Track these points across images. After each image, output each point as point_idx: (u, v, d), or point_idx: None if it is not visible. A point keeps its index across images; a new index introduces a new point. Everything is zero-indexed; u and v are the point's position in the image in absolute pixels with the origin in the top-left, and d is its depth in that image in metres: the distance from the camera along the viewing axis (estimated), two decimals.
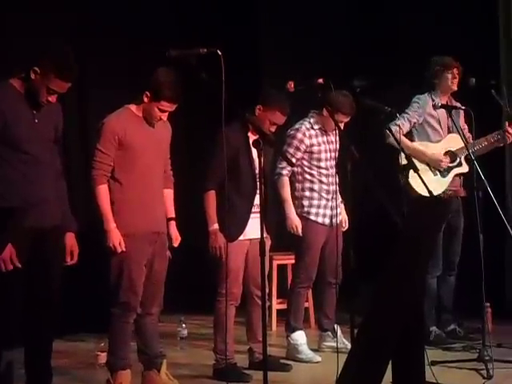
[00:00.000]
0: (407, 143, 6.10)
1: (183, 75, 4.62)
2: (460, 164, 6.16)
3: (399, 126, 6.02)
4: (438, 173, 6.17)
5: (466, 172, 6.13)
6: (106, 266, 4.71)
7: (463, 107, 5.84)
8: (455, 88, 6.22)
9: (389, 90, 6.77)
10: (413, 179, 5.96)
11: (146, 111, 4.75)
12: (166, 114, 4.76)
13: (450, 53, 6.27)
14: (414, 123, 6.17)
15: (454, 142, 6.08)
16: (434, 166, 6.15)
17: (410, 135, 6.18)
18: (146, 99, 4.72)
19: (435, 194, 5.95)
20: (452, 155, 6.18)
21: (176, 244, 4.95)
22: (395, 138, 5.25)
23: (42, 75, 4.08)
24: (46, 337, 4.36)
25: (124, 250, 4.63)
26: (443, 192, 6.12)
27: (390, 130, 5.49)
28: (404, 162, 5.68)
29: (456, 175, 6.17)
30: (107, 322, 4.77)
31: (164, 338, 5.65)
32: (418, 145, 6.17)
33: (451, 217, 6.17)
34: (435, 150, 6.17)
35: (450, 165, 6.18)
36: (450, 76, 6.19)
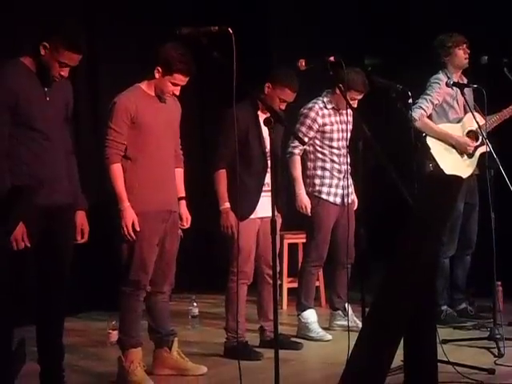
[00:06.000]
0: (433, 127, 6.12)
1: (194, 54, 4.61)
2: (483, 143, 6.14)
3: (424, 109, 6.03)
4: (464, 154, 6.16)
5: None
6: (117, 244, 4.71)
7: (475, 85, 5.81)
8: (467, 64, 6.19)
9: (400, 68, 6.74)
10: (442, 162, 5.98)
11: (158, 87, 4.72)
12: (179, 88, 4.72)
13: (462, 31, 6.23)
14: (436, 104, 6.15)
15: (474, 121, 6.05)
16: (460, 149, 6.14)
17: (429, 116, 6.16)
18: (157, 75, 4.69)
19: (465, 175, 5.99)
20: (475, 135, 6.16)
21: (187, 224, 4.94)
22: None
23: (51, 50, 4.07)
24: (58, 315, 4.38)
25: (138, 229, 4.62)
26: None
27: (414, 117, 5.48)
28: (432, 146, 5.74)
29: (481, 154, 6.15)
30: (118, 300, 4.78)
31: (175, 316, 5.67)
32: (443, 127, 6.15)
33: (469, 195, 6.17)
34: (458, 131, 6.16)
35: (476, 144, 6.17)
36: (461, 52, 6.17)
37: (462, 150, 6.16)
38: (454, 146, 6.15)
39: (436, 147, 6.09)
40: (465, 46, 6.17)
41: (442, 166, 6.02)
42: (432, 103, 6.12)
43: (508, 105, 6.18)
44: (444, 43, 6.19)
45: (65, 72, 4.15)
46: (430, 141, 6.09)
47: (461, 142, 6.14)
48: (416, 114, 5.92)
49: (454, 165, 6.09)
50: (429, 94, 6.12)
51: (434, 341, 3.79)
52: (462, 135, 6.17)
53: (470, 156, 6.19)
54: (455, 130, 6.17)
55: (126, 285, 4.71)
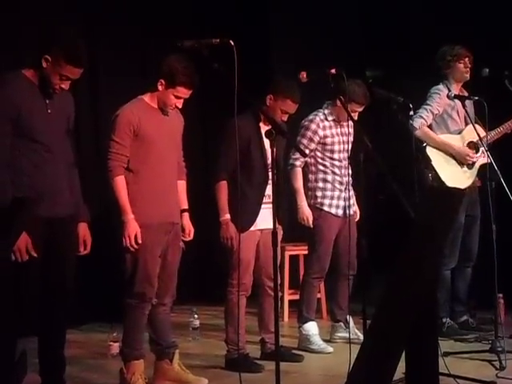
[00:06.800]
0: (433, 136, 6.12)
1: (196, 66, 4.62)
2: (483, 155, 6.12)
3: (424, 118, 6.04)
4: (464, 165, 6.16)
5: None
6: (119, 256, 4.70)
7: (476, 97, 5.82)
8: (468, 77, 6.19)
9: (401, 80, 6.74)
10: (442, 173, 5.98)
11: (160, 100, 4.72)
12: (182, 101, 4.72)
13: (462, 42, 6.23)
14: (436, 114, 6.15)
15: (474, 132, 6.04)
16: (460, 160, 6.14)
17: (428, 126, 6.16)
18: (160, 87, 4.68)
19: (464, 186, 5.98)
20: (475, 146, 6.16)
21: (189, 236, 4.93)
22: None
23: (53, 63, 4.09)
24: (60, 326, 4.38)
25: (140, 242, 4.61)
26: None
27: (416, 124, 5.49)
28: (431, 156, 5.74)
29: (481, 165, 6.15)
30: (120, 311, 4.77)
31: (176, 328, 5.66)
32: (443, 137, 6.16)
33: (470, 207, 6.17)
34: (458, 142, 6.16)
35: (475, 156, 6.16)
36: (462, 65, 6.16)
37: (461, 161, 6.15)
38: (453, 156, 6.15)
39: (436, 157, 6.10)
40: (466, 59, 6.15)
41: (441, 176, 6.02)
42: (432, 113, 6.13)
43: (509, 118, 6.18)
44: (445, 56, 6.19)
45: (65, 85, 4.17)
46: (429, 151, 6.10)
47: (461, 152, 6.14)
48: (416, 123, 5.93)
49: (454, 175, 6.09)
50: (429, 104, 6.13)
51: (435, 353, 3.78)
52: (461, 146, 6.17)
53: (470, 167, 6.18)
54: (455, 141, 6.17)
55: (131, 297, 4.70)
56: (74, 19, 6.61)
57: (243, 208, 5.03)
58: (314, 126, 5.86)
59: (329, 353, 5.78)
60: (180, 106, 4.75)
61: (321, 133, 5.86)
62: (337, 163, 5.89)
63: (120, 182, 4.62)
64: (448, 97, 5.96)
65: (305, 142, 5.84)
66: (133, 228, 4.60)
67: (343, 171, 5.88)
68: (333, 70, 5.02)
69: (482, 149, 6.09)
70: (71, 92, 4.38)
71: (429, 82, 6.29)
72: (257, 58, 7.50)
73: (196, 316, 6.39)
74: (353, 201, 5.94)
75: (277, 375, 3.79)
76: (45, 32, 4.41)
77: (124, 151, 4.64)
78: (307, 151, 5.79)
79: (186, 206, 4.94)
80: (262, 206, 5.29)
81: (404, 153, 5.42)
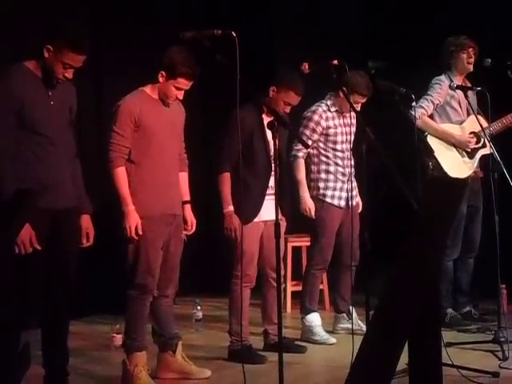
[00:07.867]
0: (433, 125, 6.12)
1: (198, 57, 4.61)
2: (485, 145, 6.12)
3: (424, 108, 6.03)
4: (465, 154, 6.16)
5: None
6: (121, 248, 4.71)
7: (478, 88, 5.80)
8: (471, 68, 6.17)
9: (404, 72, 6.73)
10: (444, 162, 5.98)
11: (161, 91, 4.72)
12: (182, 92, 4.72)
13: (466, 33, 6.21)
14: (437, 104, 6.14)
15: (476, 123, 6.03)
16: (461, 147, 6.13)
17: (430, 116, 6.16)
18: (161, 79, 4.69)
19: (464, 176, 5.98)
20: (477, 136, 6.16)
21: (192, 228, 4.93)
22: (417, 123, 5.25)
23: (55, 52, 4.08)
24: (63, 318, 4.38)
25: (141, 233, 4.62)
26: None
27: (416, 114, 5.50)
28: (432, 144, 5.74)
29: (481, 156, 6.14)
30: (123, 303, 4.77)
31: (179, 320, 5.67)
32: (444, 127, 6.15)
33: (473, 198, 6.16)
34: (460, 131, 6.15)
35: (476, 146, 6.16)
36: (465, 56, 6.14)
37: (462, 148, 6.14)
38: (454, 145, 6.15)
39: (437, 146, 6.10)
40: (470, 49, 6.12)
41: (443, 166, 6.02)
42: (433, 103, 6.12)
43: (510, 111, 6.17)
44: (449, 46, 6.18)
45: (69, 73, 4.16)
46: (430, 139, 6.09)
47: (461, 140, 6.13)
48: (416, 112, 5.90)
49: (455, 164, 6.09)
50: (429, 94, 6.13)
51: (438, 344, 3.78)
52: (465, 135, 6.16)
53: (471, 157, 6.17)
54: (455, 131, 6.16)
55: (132, 288, 4.71)
56: (78, 10, 6.60)
57: (246, 199, 5.04)
58: (316, 117, 5.85)
59: (332, 344, 5.79)
60: (181, 98, 4.75)
61: (323, 124, 5.85)
62: (339, 154, 5.89)
63: (120, 173, 4.62)
64: (450, 87, 5.96)
65: (307, 132, 5.84)
66: (133, 219, 4.60)
67: (346, 162, 5.88)
68: (335, 61, 5.02)
69: (483, 139, 6.09)
70: (74, 83, 4.37)
71: (431, 73, 6.27)
72: (259, 49, 7.49)
73: (199, 307, 6.40)
74: (355, 192, 5.94)
75: (280, 366, 3.80)
76: (49, 24, 4.39)
77: (125, 142, 4.64)
78: (310, 142, 5.79)
79: (187, 198, 4.94)
80: (266, 197, 5.29)
81: (407, 144, 5.41)
